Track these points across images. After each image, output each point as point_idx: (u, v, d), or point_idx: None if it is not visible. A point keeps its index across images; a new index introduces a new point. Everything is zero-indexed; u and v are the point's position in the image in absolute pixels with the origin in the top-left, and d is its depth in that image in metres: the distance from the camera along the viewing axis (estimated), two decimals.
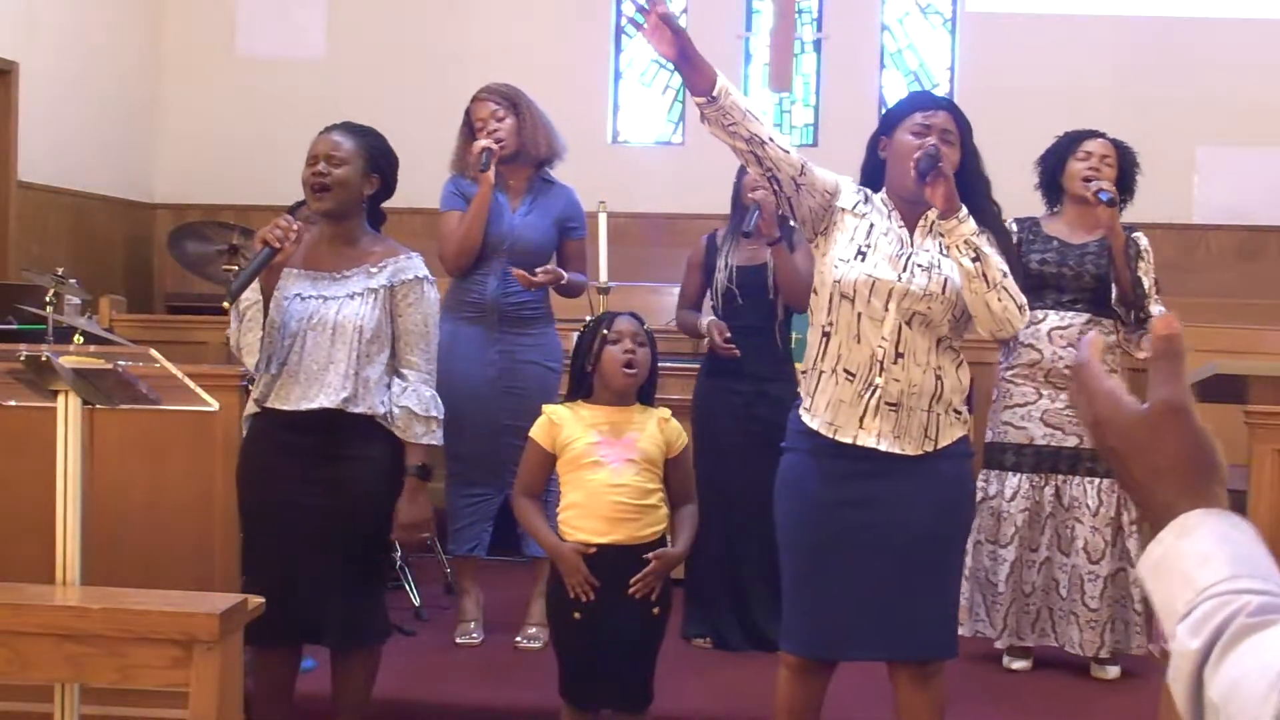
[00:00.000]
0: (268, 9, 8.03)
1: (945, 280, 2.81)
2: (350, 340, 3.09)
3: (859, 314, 2.81)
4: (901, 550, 2.81)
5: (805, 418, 2.87)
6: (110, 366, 2.72)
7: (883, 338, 2.79)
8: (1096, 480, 4.00)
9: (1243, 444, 3.59)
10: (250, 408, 3.19)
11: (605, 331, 3.08)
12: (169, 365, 2.74)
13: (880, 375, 2.79)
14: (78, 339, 4.18)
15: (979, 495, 4.06)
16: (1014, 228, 4.15)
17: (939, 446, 2.83)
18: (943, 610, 2.90)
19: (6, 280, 6.12)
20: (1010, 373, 4.07)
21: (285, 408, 3.10)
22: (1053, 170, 4.17)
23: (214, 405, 2.90)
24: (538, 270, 4.12)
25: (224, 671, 2.49)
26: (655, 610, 3.06)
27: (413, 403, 3.14)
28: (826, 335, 2.85)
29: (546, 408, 3.17)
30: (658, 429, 3.09)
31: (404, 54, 7.91)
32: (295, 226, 3.00)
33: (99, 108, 7.41)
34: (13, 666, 2.55)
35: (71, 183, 7.13)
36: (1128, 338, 4.08)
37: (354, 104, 7.34)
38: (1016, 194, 4.15)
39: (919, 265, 2.82)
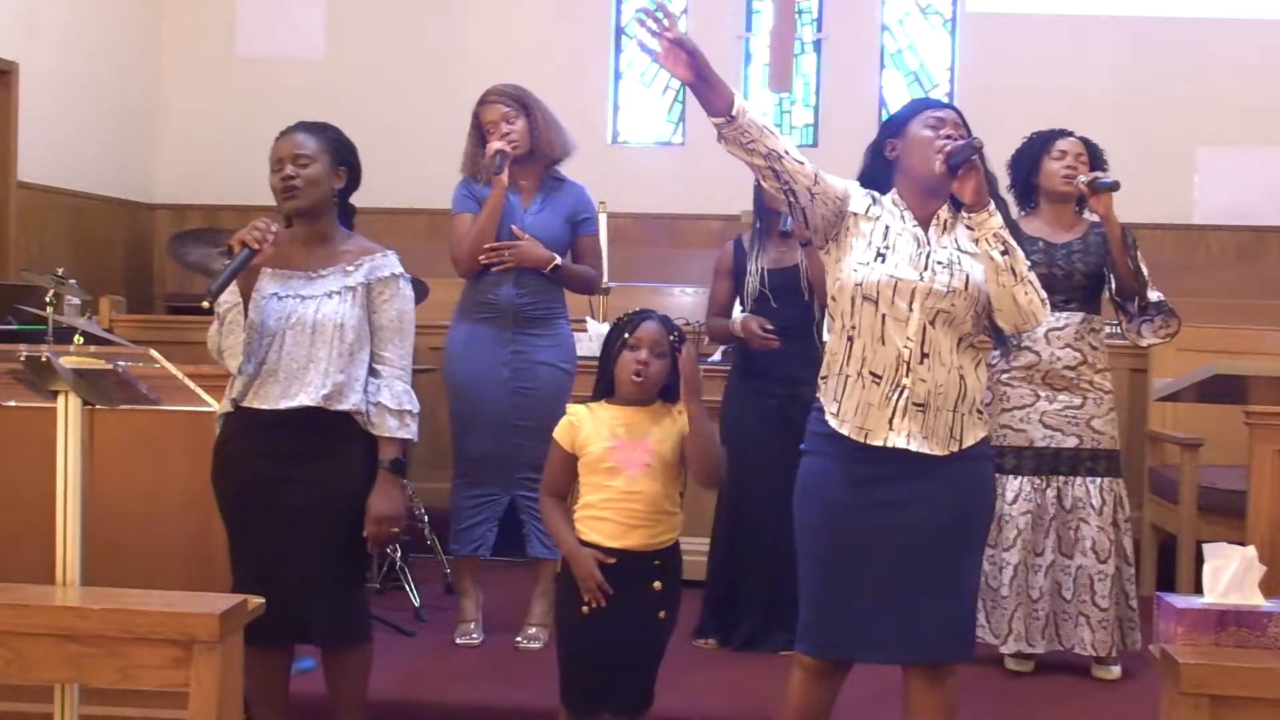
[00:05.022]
0: (268, 9, 8.03)
1: (966, 276, 2.81)
2: (330, 339, 3.10)
3: (883, 315, 2.80)
4: (922, 552, 2.79)
5: (833, 423, 2.85)
6: (110, 367, 2.72)
7: (908, 338, 2.79)
8: (1098, 480, 4.00)
9: (1243, 444, 3.59)
10: (225, 407, 3.18)
11: (627, 335, 3.09)
12: (169, 365, 2.75)
13: (907, 376, 2.78)
14: (78, 339, 4.18)
15: None
16: None
17: (964, 447, 2.83)
18: (958, 613, 2.88)
19: (6, 280, 6.11)
20: (1006, 375, 4.04)
21: (265, 406, 3.10)
22: (1027, 172, 4.14)
23: (214, 405, 2.91)
24: (506, 247, 4.13)
25: (224, 672, 2.49)
26: (661, 614, 3.06)
27: (385, 398, 3.15)
28: (850, 339, 2.84)
29: (569, 408, 3.17)
30: (673, 422, 3.07)
31: (404, 54, 7.91)
32: (273, 228, 3.02)
33: (99, 108, 7.41)
34: (13, 666, 2.55)
35: (71, 183, 7.13)
36: (1129, 328, 4.07)
37: (354, 104, 7.37)
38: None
39: (939, 263, 2.82)
